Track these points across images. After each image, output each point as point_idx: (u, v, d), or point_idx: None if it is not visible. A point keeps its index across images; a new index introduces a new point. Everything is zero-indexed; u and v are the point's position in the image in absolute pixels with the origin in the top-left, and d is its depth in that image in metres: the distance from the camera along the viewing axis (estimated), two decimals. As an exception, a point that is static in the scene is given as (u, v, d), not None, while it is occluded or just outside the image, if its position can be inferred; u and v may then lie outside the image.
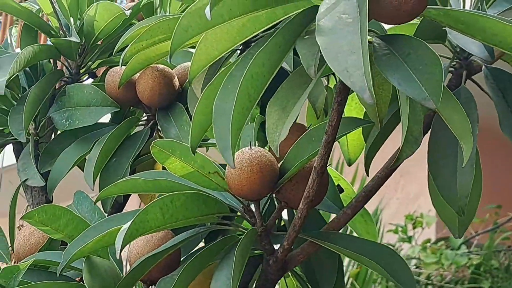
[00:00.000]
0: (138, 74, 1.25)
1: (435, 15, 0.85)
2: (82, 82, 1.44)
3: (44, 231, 1.01)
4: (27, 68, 1.38)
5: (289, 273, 1.22)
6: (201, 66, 0.88)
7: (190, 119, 1.12)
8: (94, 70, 1.46)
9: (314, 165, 0.92)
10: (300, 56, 0.76)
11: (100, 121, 1.33)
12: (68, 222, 1.01)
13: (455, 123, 0.83)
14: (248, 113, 0.74)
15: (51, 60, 1.45)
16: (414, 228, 4.66)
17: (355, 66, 0.67)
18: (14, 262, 1.22)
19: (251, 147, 0.96)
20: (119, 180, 1.00)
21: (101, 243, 0.94)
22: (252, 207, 1.00)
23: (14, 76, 1.29)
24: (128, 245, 1.08)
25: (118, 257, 0.86)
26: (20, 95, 1.35)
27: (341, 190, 1.26)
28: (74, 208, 1.19)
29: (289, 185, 0.98)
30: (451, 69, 1.05)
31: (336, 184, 1.27)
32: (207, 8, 0.72)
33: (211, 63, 0.88)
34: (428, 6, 0.84)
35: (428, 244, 4.66)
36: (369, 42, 0.84)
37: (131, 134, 1.29)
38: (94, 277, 0.94)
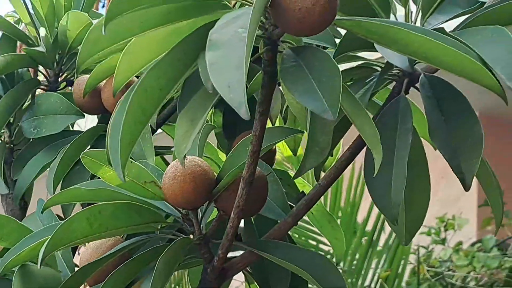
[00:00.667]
0: (104, 82, 1.27)
1: (349, 26, 0.85)
2: (60, 90, 1.48)
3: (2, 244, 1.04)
4: (3, 77, 1.41)
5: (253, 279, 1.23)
6: (125, 77, 0.89)
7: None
8: (72, 78, 1.49)
9: (242, 174, 0.92)
10: (199, 70, 0.76)
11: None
12: (12, 231, 1.03)
13: (366, 134, 0.83)
14: (141, 126, 0.75)
15: (30, 69, 1.48)
16: (445, 230, 4.62)
17: (238, 81, 0.67)
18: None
19: (185, 157, 0.97)
20: (63, 190, 1.02)
21: (35, 251, 0.96)
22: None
23: (-14, 85, 1.33)
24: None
25: (39, 267, 0.87)
26: (-6, 104, 1.39)
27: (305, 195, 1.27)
28: (36, 216, 1.21)
29: (225, 194, 0.99)
30: (395, 77, 1.04)
31: (300, 190, 1.28)
32: (104, 25, 0.73)
33: (136, 73, 0.89)
34: (340, 17, 0.84)
35: (461, 247, 4.61)
36: (279, 52, 0.85)
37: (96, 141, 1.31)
38: (27, 285, 0.96)
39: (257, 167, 1.00)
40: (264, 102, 0.87)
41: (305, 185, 1.31)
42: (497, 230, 1.14)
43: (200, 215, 1.02)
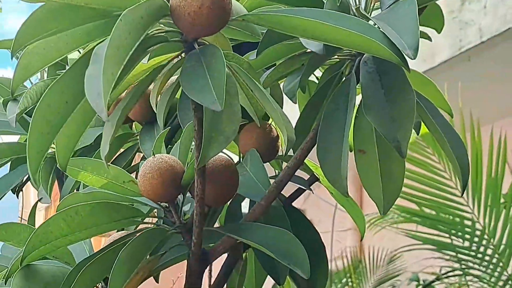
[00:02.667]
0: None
1: (253, 21, 0.92)
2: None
3: (11, 245, 1.19)
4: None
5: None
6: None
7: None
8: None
9: (194, 166, 1.01)
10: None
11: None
12: (27, 237, 1.17)
13: (274, 119, 0.89)
14: (49, 137, 0.86)
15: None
16: None
17: (99, 93, 0.76)
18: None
19: (154, 156, 1.08)
20: (65, 196, 1.15)
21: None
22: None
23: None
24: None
25: (18, 267, 1.00)
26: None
27: (317, 179, 1.33)
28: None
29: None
30: (352, 57, 1.09)
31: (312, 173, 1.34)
32: (12, 52, 0.85)
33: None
34: (245, 14, 0.91)
35: None
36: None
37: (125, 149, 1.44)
38: (30, 284, 1.09)
39: (225, 156, 1.09)
40: (193, 101, 0.96)
41: (317, 167, 1.36)
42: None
43: (179, 206, 1.11)
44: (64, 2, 0.85)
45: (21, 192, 1.63)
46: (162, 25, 0.93)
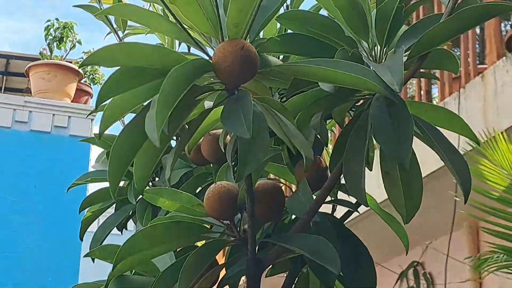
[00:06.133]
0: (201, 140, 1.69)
1: (278, 70, 1.19)
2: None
3: (108, 262, 1.48)
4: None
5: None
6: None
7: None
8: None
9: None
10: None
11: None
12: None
13: (296, 144, 1.16)
14: (124, 168, 1.15)
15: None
16: None
17: (153, 130, 1.05)
18: None
19: (216, 183, 1.36)
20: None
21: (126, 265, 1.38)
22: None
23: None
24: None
25: (112, 271, 1.29)
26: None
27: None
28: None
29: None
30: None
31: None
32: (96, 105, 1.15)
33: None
34: (271, 66, 1.19)
35: None
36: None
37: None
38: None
39: (272, 182, 1.36)
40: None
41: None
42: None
43: (238, 223, 1.38)
44: (133, 65, 1.15)
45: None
46: (210, 78, 1.20)
